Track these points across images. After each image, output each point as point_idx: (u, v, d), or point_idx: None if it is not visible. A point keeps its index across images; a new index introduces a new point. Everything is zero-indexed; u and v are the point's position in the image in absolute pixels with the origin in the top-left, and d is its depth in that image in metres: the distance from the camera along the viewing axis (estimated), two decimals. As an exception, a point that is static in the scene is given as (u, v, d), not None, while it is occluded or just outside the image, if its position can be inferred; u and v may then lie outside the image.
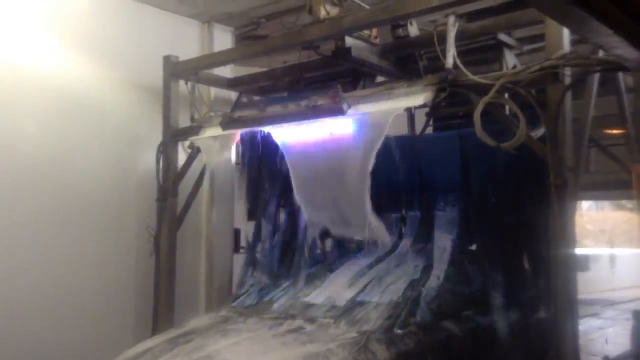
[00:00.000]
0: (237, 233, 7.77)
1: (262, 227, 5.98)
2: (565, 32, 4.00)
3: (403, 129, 6.46)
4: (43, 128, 5.75)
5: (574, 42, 4.12)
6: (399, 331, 4.21)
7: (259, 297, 5.28)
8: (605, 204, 14.19)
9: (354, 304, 4.56)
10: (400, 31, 5.34)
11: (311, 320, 4.47)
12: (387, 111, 4.48)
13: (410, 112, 6.41)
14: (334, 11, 5.13)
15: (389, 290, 4.64)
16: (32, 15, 5.68)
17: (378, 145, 4.53)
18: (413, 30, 5.30)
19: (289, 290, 5.19)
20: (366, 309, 4.46)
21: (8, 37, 5.52)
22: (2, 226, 5.37)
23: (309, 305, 4.75)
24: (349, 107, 4.71)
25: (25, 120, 5.64)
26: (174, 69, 6.27)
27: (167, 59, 6.29)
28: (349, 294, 4.73)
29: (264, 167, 6.12)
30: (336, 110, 4.74)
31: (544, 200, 4.11)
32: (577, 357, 3.87)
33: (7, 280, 5.34)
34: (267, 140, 5.49)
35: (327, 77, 5.97)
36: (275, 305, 4.94)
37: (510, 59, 5.05)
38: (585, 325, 7.70)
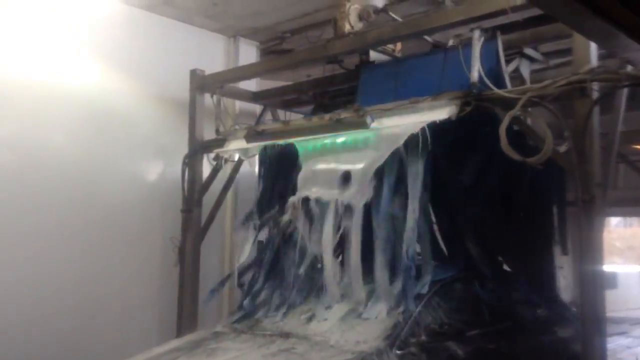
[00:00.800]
0: (260, 244, 7.80)
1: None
2: (593, 46, 3.96)
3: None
4: (72, 140, 5.88)
5: (601, 57, 4.08)
6: (398, 352, 3.90)
7: (255, 311, 4.92)
8: (634, 220, 13.89)
9: (354, 320, 4.22)
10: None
11: (305, 338, 4.15)
12: (409, 125, 4.46)
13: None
14: (358, 26, 5.16)
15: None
16: (63, 31, 5.84)
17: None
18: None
19: (288, 304, 4.80)
20: (366, 326, 4.12)
21: (39, 53, 5.68)
22: (30, 234, 5.49)
23: (306, 321, 4.43)
24: (373, 120, 4.71)
25: (55, 132, 5.79)
26: (200, 83, 6.37)
27: (193, 73, 6.39)
28: (349, 307, 4.38)
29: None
30: (360, 124, 4.75)
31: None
32: (606, 377, 3.79)
33: (33, 286, 5.45)
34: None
35: (352, 90, 5.99)
36: (271, 321, 4.60)
37: (525, 70, 4.99)
38: (614, 344, 7.50)
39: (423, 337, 4.06)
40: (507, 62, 4.80)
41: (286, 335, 4.27)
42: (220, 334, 4.61)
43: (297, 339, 4.16)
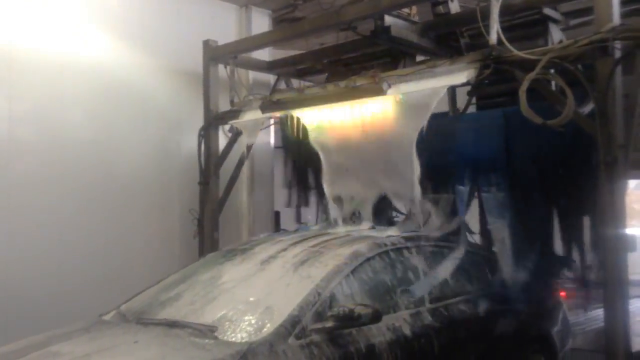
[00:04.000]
0: (277, 215, 7.86)
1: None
2: (615, 5, 3.84)
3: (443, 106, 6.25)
4: (89, 114, 5.91)
5: (623, 15, 3.96)
6: (296, 342, 3.11)
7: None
8: (654, 182, 13.70)
9: (259, 299, 3.45)
10: (440, 8, 5.23)
11: (188, 327, 3.26)
12: (431, 91, 4.38)
13: (452, 90, 6.25)
14: (372, -11, 5.05)
15: (306, 282, 3.48)
16: (76, 5, 5.82)
17: (422, 125, 4.40)
18: (454, 6, 5.19)
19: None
20: (269, 308, 3.32)
21: (54, 27, 5.68)
22: (48, 209, 5.57)
23: (207, 302, 3.57)
24: (389, 86, 4.65)
25: (72, 107, 5.82)
26: (213, 54, 6.32)
27: (206, 44, 6.34)
28: (259, 284, 3.65)
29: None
30: (376, 91, 4.68)
31: (592, 182, 3.98)
32: (628, 338, 3.78)
33: (54, 260, 5.55)
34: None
35: (367, 58, 5.91)
36: (162, 307, 3.72)
37: (556, 34, 4.87)
38: (634, 307, 7.50)
39: (330, 324, 3.21)
40: (529, 23, 4.69)
41: (171, 324, 3.36)
42: (100, 324, 3.74)
43: (179, 329, 3.28)
